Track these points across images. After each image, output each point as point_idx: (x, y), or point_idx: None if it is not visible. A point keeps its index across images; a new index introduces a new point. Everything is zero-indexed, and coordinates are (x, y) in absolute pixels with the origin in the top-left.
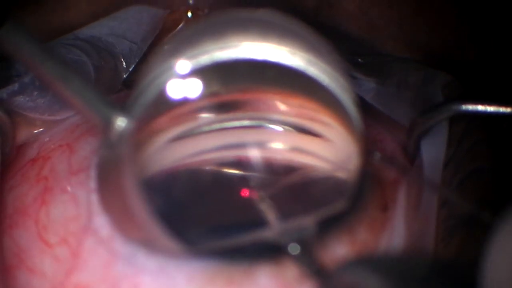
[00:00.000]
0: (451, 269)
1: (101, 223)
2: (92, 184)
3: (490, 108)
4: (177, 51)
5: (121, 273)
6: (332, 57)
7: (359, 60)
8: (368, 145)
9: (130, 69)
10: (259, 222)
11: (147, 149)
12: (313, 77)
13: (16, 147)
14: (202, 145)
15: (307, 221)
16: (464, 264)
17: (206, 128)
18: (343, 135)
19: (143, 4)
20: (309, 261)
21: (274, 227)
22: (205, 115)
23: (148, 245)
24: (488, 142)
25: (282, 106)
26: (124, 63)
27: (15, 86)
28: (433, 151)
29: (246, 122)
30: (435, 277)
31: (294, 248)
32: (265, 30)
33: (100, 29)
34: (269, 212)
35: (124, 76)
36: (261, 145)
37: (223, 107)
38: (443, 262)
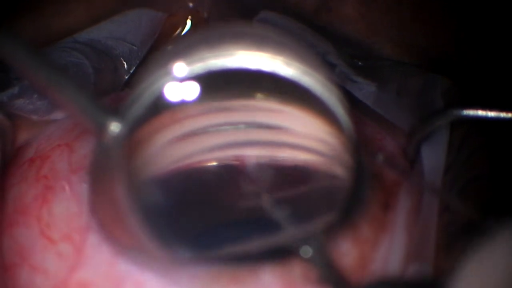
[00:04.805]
0: None
1: None
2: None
3: (491, 114)
4: (173, 57)
5: (125, 270)
6: (323, 69)
7: (359, 63)
8: (368, 147)
9: (131, 71)
10: (265, 226)
11: (142, 153)
12: (306, 87)
13: (16, 149)
14: (199, 147)
15: (314, 225)
16: None
17: (201, 132)
18: (336, 140)
19: (142, 8)
20: (321, 264)
21: (284, 231)
22: (200, 120)
23: (139, 252)
24: (488, 148)
25: (275, 112)
26: (125, 65)
27: (15, 89)
28: (433, 156)
29: (242, 126)
30: None
31: (305, 251)
32: (260, 41)
33: (99, 32)
34: (278, 216)
35: (126, 77)
36: (258, 146)
37: (217, 113)
38: None
